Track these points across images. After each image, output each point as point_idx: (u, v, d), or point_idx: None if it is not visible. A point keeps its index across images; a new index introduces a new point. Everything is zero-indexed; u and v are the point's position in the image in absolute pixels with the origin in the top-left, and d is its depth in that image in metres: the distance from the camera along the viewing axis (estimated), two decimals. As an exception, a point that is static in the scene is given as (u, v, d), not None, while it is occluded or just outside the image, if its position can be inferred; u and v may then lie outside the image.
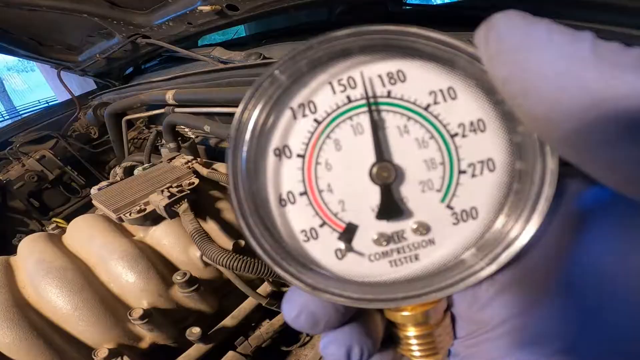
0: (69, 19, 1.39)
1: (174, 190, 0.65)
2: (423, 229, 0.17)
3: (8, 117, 12.19)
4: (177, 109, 1.15)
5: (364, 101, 0.16)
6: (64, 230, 0.81)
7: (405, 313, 0.18)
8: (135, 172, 0.91)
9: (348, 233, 0.17)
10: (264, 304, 0.63)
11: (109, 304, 0.58)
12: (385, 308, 0.19)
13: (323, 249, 0.17)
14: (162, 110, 1.32)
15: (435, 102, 0.16)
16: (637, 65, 0.11)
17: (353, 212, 0.17)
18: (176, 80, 1.29)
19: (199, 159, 0.90)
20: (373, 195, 0.17)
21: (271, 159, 0.16)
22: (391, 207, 0.17)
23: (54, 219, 1.57)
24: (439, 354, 0.19)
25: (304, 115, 0.16)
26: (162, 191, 0.64)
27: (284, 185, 0.17)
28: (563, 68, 0.11)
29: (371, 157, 0.16)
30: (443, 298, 0.18)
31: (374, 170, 0.16)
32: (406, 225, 0.17)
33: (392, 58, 0.15)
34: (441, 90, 0.16)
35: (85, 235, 0.68)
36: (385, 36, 0.15)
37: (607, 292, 0.15)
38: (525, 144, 0.15)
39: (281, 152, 0.16)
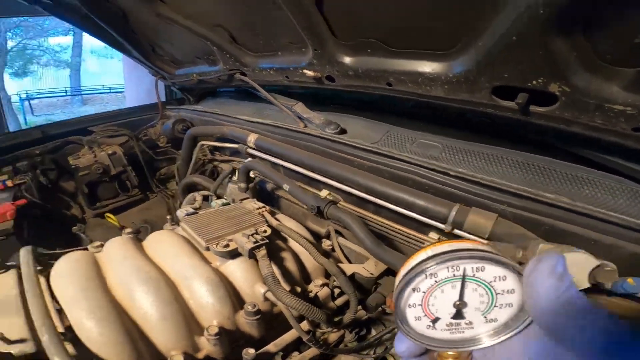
0: (191, 39, 1.69)
1: (258, 237, 0.86)
2: (470, 323, 0.37)
3: (70, 94, 13.68)
4: (254, 152, 1.39)
5: (460, 277, 0.36)
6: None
7: (451, 352, 0.40)
8: (213, 204, 1.14)
9: (435, 321, 0.37)
10: (304, 339, 0.81)
11: (187, 318, 0.77)
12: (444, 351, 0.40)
13: (422, 324, 0.38)
14: (236, 146, 1.57)
15: (494, 281, 0.36)
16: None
17: (440, 314, 0.37)
18: (256, 124, 1.55)
19: (266, 207, 1.11)
20: (452, 310, 0.37)
21: (409, 291, 0.37)
22: (459, 316, 0.37)
23: (107, 215, 1.84)
24: None
25: (430, 277, 0.36)
26: (248, 236, 0.85)
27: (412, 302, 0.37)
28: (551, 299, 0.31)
29: (456, 297, 0.36)
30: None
31: (456, 303, 0.36)
32: (462, 321, 0.37)
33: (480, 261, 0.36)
34: (499, 276, 0.36)
35: (171, 252, 0.88)
36: (483, 254, 0.35)
37: None
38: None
39: (415, 289, 0.36)
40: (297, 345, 0.87)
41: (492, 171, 0.96)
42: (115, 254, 0.90)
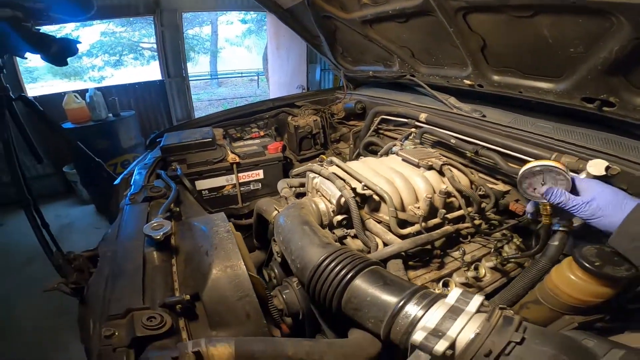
0: (377, 50, 2.49)
1: (443, 160, 1.68)
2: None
3: (212, 77, 16.52)
4: (421, 125, 2.20)
5: (542, 171, 1.16)
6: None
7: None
8: (407, 148, 1.98)
9: (534, 189, 1.16)
10: (465, 214, 1.61)
11: (412, 191, 1.62)
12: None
13: (530, 190, 1.19)
14: (405, 120, 2.40)
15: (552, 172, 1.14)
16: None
17: (536, 186, 1.15)
18: (422, 107, 2.35)
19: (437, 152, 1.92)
20: (541, 184, 1.15)
21: (523, 177, 1.19)
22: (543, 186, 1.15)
23: (322, 156, 2.82)
24: None
25: (532, 174, 1.15)
26: (439, 159, 1.68)
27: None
28: None
29: (542, 180, 1.14)
30: None
31: (541, 182, 1.15)
32: (544, 187, 1.15)
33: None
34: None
35: (398, 164, 1.75)
36: (545, 166, 1.13)
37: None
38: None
39: (525, 177, 1.17)
40: (458, 220, 1.64)
41: (578, 139, 1.60)
42: (375, 161, 1.80)
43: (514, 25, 1.52)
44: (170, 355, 0.83)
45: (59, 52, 2.66)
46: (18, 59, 5.39)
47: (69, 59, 2.77)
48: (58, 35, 2.78)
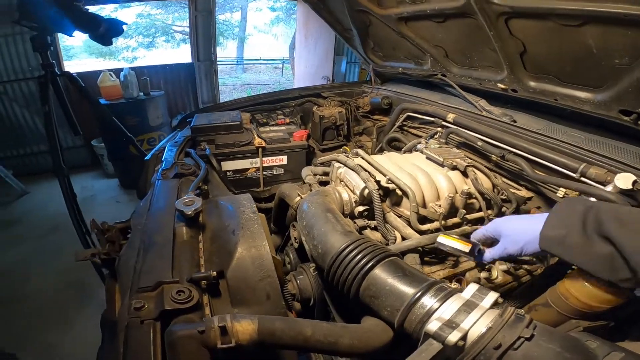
0: (409, 47, 2.47)
1: (467, 162, 1.69)
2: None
3: (238, 63, 16.85)
4: (448, 125, 2.20)
5: None
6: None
7: None
8: (432, 146, 2.00)
9: None
10: (485, 216, 1.63)
11: (434, 188, 1.64)
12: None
13: None
14: (432, 119, 2.40)
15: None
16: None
17: None
18: (450, 107, 2.33)
19: (461, 152, 1.93)
20: None
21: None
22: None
23: (344, 147, 2.85)
24: None
25: None
26: (464, 160, 1.69)
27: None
28: None
29: None
30: None
31: None
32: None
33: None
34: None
35: (422, 161, 1.77)
36: None
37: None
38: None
39: None
40: (477, 221, 1.63)
41: (608, 151, 1.59)
42: (399, 157, 1.81)
43: (558, 32, 1.51)
44: (197, 329, 0.86)
45: (106, 32, 2.76)
46: (59, 36, 5.58)
47: (113, 39, 2.86)
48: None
